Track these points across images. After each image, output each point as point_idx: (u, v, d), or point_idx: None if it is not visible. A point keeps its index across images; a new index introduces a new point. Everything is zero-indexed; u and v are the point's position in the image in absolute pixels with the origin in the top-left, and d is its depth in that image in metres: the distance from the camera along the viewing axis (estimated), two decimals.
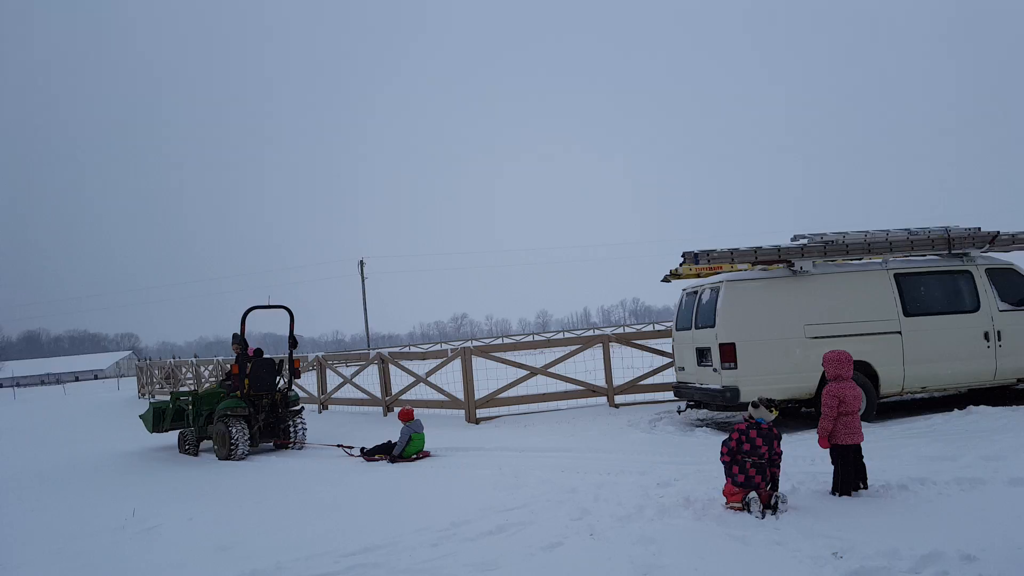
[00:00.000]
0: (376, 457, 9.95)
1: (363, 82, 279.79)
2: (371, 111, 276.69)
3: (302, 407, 12.28)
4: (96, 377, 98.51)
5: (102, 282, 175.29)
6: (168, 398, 13.09)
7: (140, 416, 13.37)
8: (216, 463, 10.88)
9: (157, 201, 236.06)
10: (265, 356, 12.16)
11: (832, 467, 6.01)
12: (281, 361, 12.40)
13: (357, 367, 16.82)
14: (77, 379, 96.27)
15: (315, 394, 17.42)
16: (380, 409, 14.91)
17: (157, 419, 12.56)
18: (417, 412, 13.60)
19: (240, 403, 11.30)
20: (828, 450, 6.02)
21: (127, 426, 16.97)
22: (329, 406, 16.79)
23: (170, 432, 12.89)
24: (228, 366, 11.75)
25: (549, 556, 4.99)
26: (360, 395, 15.76)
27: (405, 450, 9.67)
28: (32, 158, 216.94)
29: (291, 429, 11.82)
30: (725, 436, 6.05)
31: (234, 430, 10.99)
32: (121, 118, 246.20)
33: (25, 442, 17.04)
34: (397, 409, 11.44)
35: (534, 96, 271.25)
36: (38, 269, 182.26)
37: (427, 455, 9.84)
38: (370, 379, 15.68)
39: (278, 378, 11.93)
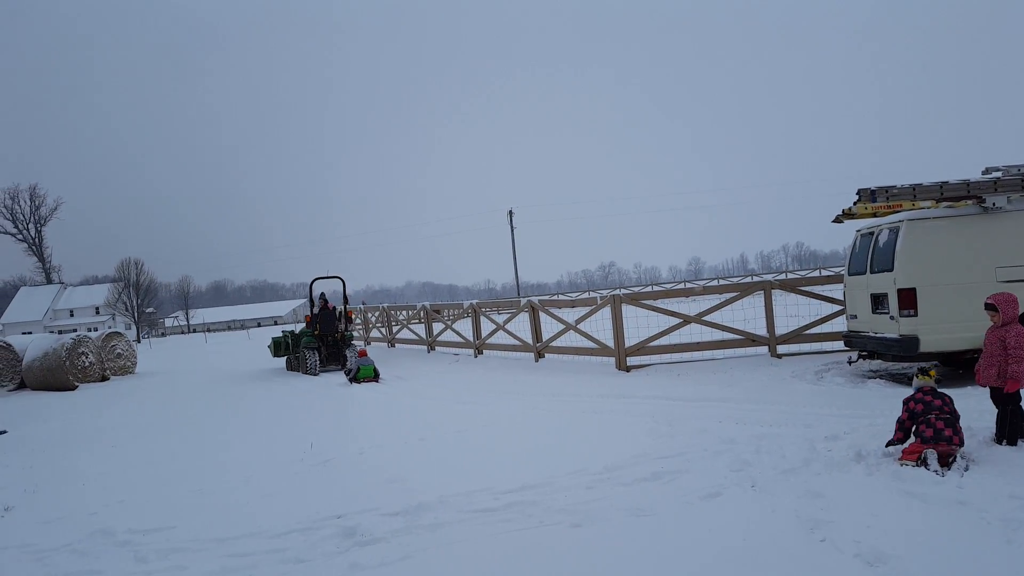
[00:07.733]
0: (350, 380, 14.52)
1: (506, 37, 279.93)
2: (523, 64, 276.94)
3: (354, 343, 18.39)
4: (275, 323, 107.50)
5: (280, 236, 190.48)
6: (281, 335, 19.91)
7: (268, 346, 20.36)
8: (367, 394, 12.96)
9: (324, 160, 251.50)
10: (330, 305, 17.94)
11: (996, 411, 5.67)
12: (341, 312, 18.28)
13: (508, 314, 17.22)
14: (259, 324, 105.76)
15: (471, 339, 18.06)
16: (531, 355, 15.21)
17: (276, 347, 19.49)
18: (566, 359, 14.03)
19: (312, 340, 17.48)
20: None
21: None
22: (484, 351, 17.36)
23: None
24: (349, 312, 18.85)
25: (707, 505, 4.89)
26: (512, 341, 16.15)
27: (358, 375, 14.38)
28: (216, 127, 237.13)
29: (347, 357, 17.05)
30: (900, 388, 5.65)
31: (309, 357, 17.19)
32: (298, 74, 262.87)
33: (219, 372, 20.18)
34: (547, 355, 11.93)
35: (677, 32, 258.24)
36: (223, 226, 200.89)
37: (376, 381, 14.38)
38: (520, 326, 16.00)
39: (338, 323, 17.75)
